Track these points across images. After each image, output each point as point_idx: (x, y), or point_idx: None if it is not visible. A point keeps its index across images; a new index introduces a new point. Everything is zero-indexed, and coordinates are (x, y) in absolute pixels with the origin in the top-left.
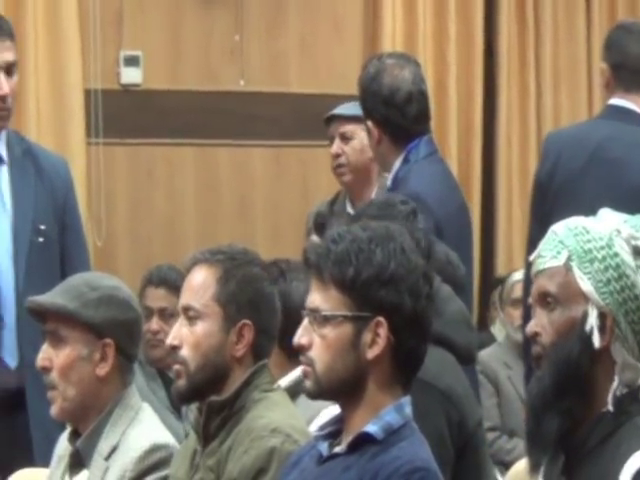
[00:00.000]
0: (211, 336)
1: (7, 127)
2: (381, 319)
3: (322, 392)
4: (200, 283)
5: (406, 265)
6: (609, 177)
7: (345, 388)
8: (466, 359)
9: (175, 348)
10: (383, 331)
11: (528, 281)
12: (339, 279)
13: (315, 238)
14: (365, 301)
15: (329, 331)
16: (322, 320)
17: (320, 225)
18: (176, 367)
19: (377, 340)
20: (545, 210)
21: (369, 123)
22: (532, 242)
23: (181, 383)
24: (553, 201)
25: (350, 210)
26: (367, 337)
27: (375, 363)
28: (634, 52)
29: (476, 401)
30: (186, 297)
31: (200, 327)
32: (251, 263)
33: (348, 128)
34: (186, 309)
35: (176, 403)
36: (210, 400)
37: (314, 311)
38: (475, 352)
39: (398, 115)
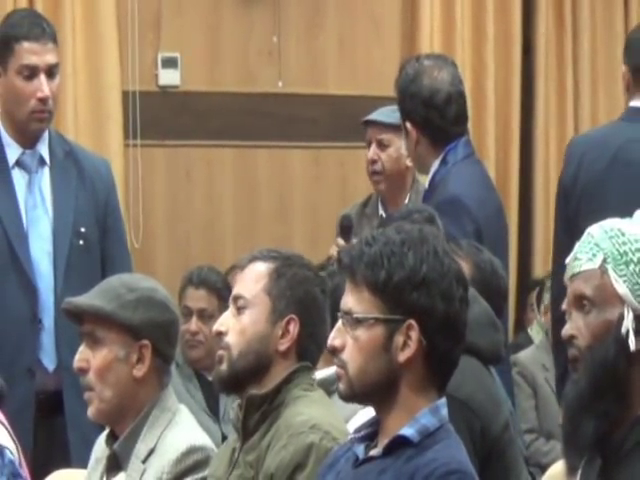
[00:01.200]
0: (257, 325)
1: (46, 129)
2: (412, 322)
3: (355, 395)
4: (253, 276)
5: (438, 268)
6: (631, 178)
7: (378, 391)
8: (492, 360)
9: (220, 334)
10: (415, 334)
11: (557, 285)
12: (371, 282)
13: (340, 241)
14: (397, 304)
15: (361, 333)
16: (354, 322)
17: (345, 228)
18: (219, 352)
19: (409, 343)
20: (570, 213)
21: (407, 124)
22: (558, 246)
23: (222, 368)
24: (577, 204)
25: (382, 213)
26: (399, 340)
27: (407, 366)
28: None
29: (503, 403)
30: (238, 288)
31: (247, 315)
32: (304, 267)
33: (385, 136)
34: (236, 298)
35: (217, 390)
36: (249, 394)
37: (347, 313)
38: (502, 352)
39: (438, 116)
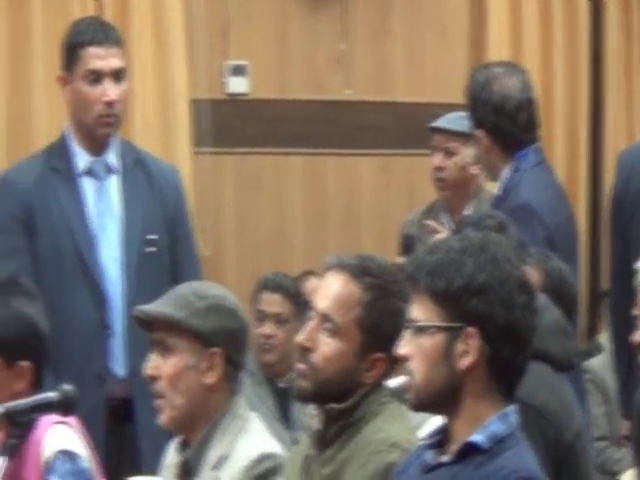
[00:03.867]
0: (345, 357)
1: (115, 135)
2: (472, 329)
3: (422, 404)
4: (345, 297)
5: (497, 275)
6: None
7: (442, 399)
8: (565, 367)
9: (306, 350)
10: (474, 342)
11: (615, 294)
12: (432, 290)
13: (401, 260)
14: (456, 312)
15: (424, 341)
16: (418, 331)
17: (406, 247)
18: (302, 367)
19: (469, 350)
20: (623, 223)
21: (478, 132)
22: (615, 256)
23: (306, 385)
24: (630, 213)
25: (444, 221)
26: (459, 348)
27: (468, 373)
28: None
29: (575, 411)
30: (327, 304)
31: (337, 344)
32: (397, 295)
33: (452, 144)
34: (325, 317)
35: (295, 399)
36: (328, 407)
37: (412, 322)
38: (574, 359)
39: (508, 123)
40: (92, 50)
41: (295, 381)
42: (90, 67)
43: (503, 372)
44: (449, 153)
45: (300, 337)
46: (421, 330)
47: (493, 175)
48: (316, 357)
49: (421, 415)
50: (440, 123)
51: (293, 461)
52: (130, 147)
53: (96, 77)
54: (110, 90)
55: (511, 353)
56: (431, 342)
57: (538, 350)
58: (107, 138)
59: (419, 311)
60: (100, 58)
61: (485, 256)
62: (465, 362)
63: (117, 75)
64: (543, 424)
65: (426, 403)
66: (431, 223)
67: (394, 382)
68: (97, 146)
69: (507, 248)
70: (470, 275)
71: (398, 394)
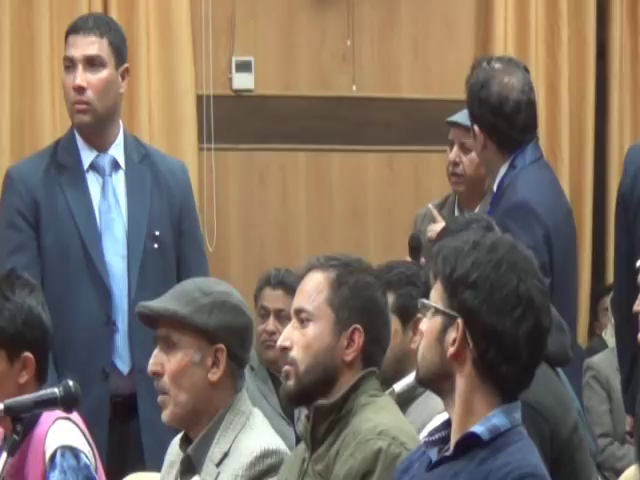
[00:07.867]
0: (322, 338)
1: (92, 123)
2: (460, 321)
3: (419, 380)
4: (313, 287)
5: (492, 278)
6: None
7: (435, 380)
8: (560, 362)
9: (285, 349)
10: (460, 333)
11: (618, 290)
12: (440, 274)
13: (409, 260)
14: (453, 300)
15: (426, 321)
16: (424, 309)
17: (414, 248)
18: (286, 368)
19: (457, 340)
20: (629, 221)
21: (475, 128)
22: (619, 253)
23: (290, 384)
24: (636, 211)
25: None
26: (451, 335)
27: (456, 362)
28: None
29: (572, 406)
30: (299, 300)
31: (311, 329)
32: (365, 271)
33: (470, 140)
34: (298, 311)
35: (284, 405)
36: (317, 404)
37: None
38: (569, 352)
39: (506, 125)
40: (70, 38)
41: (282, 387)
42: (65, 54)
43: (489, 375)
44: (465, 149)
45: (279, 341)
46: (426, 309)
47: (490, 171)
48: (295, 351)
49: (427, 413)
50: (458, 118)
51: (292, 461)
52: (137, 143)
53: (70, 64)
54: (79, 76)
55: (495, 359)
56: (430, 322)
57: None
58: (83, 126)
59: (433, 292)
60: (74, 45)
61: (490, 256)
62: (451, 350)
63: (91, 62)
64: (539, 421)
65: (422, 380)
66: (433, 210)
67: (399, 386)
68: (101, 141)
69: (522, 258)
70: (468, 268)
71: (409, 392)
